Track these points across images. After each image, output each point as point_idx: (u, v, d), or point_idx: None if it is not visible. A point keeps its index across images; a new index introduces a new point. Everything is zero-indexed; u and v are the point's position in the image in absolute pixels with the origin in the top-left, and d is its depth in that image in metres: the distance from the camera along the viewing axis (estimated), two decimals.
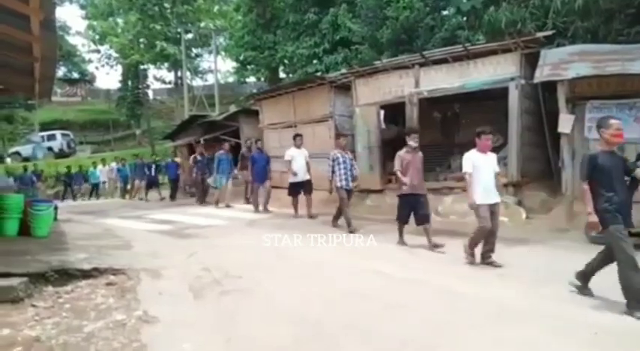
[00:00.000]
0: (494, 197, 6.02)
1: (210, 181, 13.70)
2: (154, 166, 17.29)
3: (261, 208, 11.48)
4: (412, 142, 7.25)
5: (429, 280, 5.29)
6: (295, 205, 10.47)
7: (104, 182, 20.61)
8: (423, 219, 7.20)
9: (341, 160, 8.73)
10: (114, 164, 20.36)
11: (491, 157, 6.19)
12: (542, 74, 8.41)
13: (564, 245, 6.95)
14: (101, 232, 9.02)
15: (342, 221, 8.79)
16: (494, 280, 5.35)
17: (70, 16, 78.29)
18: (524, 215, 8.78)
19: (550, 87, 8.74)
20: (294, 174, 10.12)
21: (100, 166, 21.36)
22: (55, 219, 9.07)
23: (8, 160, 28.64)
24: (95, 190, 20.87)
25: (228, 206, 12.57)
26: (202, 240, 7.92)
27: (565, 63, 8.43)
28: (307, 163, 10.26)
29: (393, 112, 11.85)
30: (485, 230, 5.86)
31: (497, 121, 9.37)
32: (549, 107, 9.54)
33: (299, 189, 10.25)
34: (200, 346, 3.53)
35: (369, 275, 5.51)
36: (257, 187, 11.64)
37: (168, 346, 3.52)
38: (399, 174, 7.19)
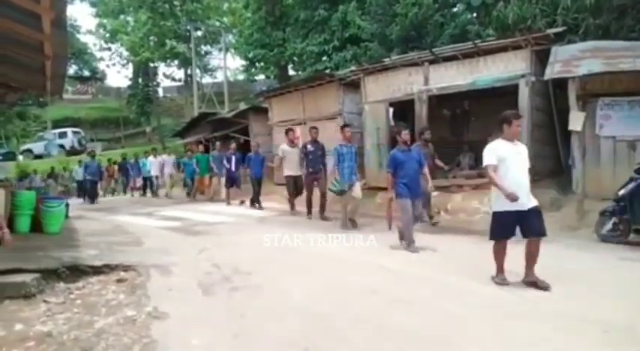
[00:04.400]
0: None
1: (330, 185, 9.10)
2: (234, 159, 13.03)
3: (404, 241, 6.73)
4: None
5: (443, 278, 5.29)
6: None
7: (156, 177, 17.36)
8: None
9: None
10: (165, 156, 17.60)
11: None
12: (552, 71, 8.33)
13: (575, 244, 6.89)
14: (112, 228, 9.09)
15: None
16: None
17: (80, 15, 79.09)
18: None
19: (561, 84, 8.67)
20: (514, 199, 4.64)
21: (150, 158, 17.56)
22: (67, 216, 9.16)
23: (20, 157, 28.95)
24: (150, 185, 17.72)
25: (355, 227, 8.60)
26: (212, 237, 7.96)
27: (576, 60, 8.35)
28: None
29: (402, 109, 11.83)
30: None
31: None
32: (560, 104, 9.45)
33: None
34: (209, 342, 3.56)
35: (377, 271, 5.50)
36: (418, 204, 7.05)
37: (177, 341, 3.56)
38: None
